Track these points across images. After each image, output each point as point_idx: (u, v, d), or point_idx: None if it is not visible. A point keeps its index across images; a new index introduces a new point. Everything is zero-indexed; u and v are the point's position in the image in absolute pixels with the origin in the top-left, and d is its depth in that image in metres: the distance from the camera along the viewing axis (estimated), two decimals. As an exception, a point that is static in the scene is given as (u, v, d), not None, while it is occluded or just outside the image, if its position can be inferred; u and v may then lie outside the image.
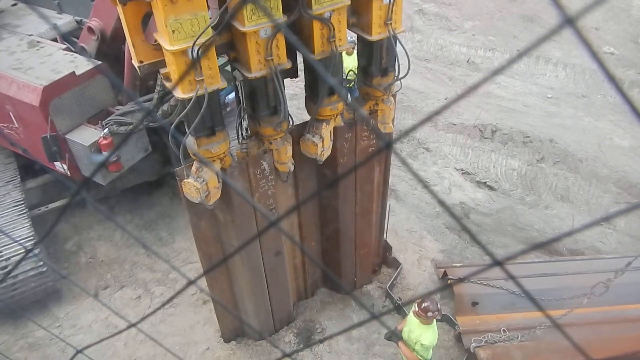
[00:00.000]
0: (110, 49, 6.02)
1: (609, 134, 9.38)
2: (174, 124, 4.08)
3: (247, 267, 5.41)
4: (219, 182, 4.50)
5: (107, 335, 6.04)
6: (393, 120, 5.43)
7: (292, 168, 4.93)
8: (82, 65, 5.92)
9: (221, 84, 3.92)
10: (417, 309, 4.82)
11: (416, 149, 9.07)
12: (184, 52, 3.58)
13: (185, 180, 4.35)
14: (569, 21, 0.62)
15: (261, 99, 4.37)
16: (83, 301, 6.80)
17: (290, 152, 4.80)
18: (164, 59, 3.87)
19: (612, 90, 10.36)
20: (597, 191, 8.28)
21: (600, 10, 12.49)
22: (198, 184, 4.27)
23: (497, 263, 0.80)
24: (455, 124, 9.50)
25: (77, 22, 6.86)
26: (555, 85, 10.64)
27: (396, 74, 4.88)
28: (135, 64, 3.95)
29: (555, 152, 8.84)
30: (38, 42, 6.39)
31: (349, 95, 8.04)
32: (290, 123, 4.80)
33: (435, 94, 10.22)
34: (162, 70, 4.01)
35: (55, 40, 6.68)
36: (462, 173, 8.64)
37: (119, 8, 3.68)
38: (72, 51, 6.29)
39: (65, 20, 6.90)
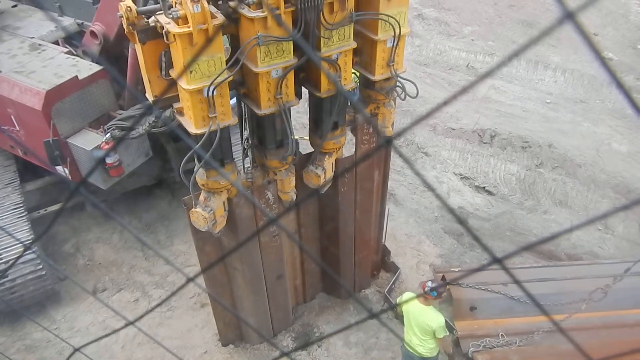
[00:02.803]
0: (112, 53, 6.03)
1: (607, 139, 9.41)
2: (184, 160, 4.22)
3: (248, 286, 5.53)
4: (225, 210, 4.66)
5: (105, 337, 6.03)
6: (392, 125, 5.49)
7: (294, 197, 5.09)
8: (84, 69, 5.93)
9: (232, 120, 4.09)
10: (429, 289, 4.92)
11: (415, 153, 9.10)
12: (199, 91, 3.74)
13: (193, 210, 4.48)
14: (569, 16, 0.63)
15: (269, 133, 4.56)
16: (81, 303, 6.79)
17: (293, 183, 4.98)
18: (178, 94, 4.03)
19: (611, 96, 10.41)
20: (596, 196, 8.30)
21: (598, 16, 12.55)
22: (206, 213, 4.42)
23: (497, 260, 0.81)
24: (454, 129, 9.52)
25: (78, 24, 6.87)
26: (554, 90, 10.68)
27: (400, 83, 5.00)
28: (150, 98, 4.09)
29: (554, 157, 8.86)
30: (40, 44, 6.39)
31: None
32: (296, 155, 4.98)
33: (434, 98, 10.24)
34: (175, 105, 4.15)
35: (56, 42, 6.69)
36: (461, 178, 8.66)
37: (138, 47, 3.79)
38: (73, 54, 6.30)
39: (66, 23, 6.91)
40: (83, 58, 6.24)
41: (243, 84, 4.36)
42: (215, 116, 3.90)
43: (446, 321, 5.36)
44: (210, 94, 3.75)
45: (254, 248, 5.22)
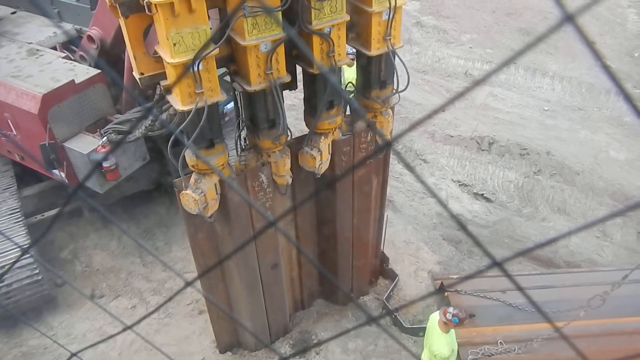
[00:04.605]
0: (109, 58, 6.04)
1: (605, 146, 9.43)
2: (172, 136, 4.11)
3: (243, 277, 5.41)
4: (217, 193, 4.51)
5: (102, 343, 6.00)
6: (391, 133, 5.46)
7: (290, 181, 4.96)
8: (81, 73, 5.94)
9: (221, 96, 3.95)
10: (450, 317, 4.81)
11: (413, 160, 9.10)
12: (185, 64, 3.63)
13: (183, 192, 4.36)
14: (569, 18, 0.63)
15: (260, 112, 4.42)
16: (78, 310, 6.76)
17: (288, 165, 4.84)
18: (165, 71, 3.92)
19: (608, 103, 10.44)
20: (594, 204, 8.30)
21: (596, 24, 12.61)
22: (196, 196, 4.29)
23: (497, 264, 0.80)
24: (452, 136, 9.54)
25: (76, 30, 6.88)
26: (552, 98, 10.71)
27: (395, 87, 4.93)
28: (136, 75, 3.98)
29: (552, 164, 8.88)
30: (37, 50, 6.40)
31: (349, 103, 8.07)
32: (289, 136, 4.84)
33: (432, 105, 10.26)
34: (163, 83, 4.05)
35: (54, 48, 6.70)
36: (459, 185, 8.66)
37: (121, 21, 3.71)
38: (71, 59, 6.30)
39: (65, 29, 6.92)
40: (80, 63, 6.25)
41: (233, 61, 4.23)
42: (202, 92, 3.78)
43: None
44: (195, 68, 3.64)
45: (247, 235, 5.05)
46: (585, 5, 0.76)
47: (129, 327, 1.20)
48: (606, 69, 0.76)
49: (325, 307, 6.73)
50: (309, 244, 6.02)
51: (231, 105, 6.58)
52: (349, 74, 6.88)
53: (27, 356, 6.29)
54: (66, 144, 5.77)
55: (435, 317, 5.07)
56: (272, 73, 4.07)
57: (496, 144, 9.29)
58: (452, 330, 4.99)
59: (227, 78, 5.23)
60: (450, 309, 4.82)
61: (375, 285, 6.96)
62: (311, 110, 4.84)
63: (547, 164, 8.88)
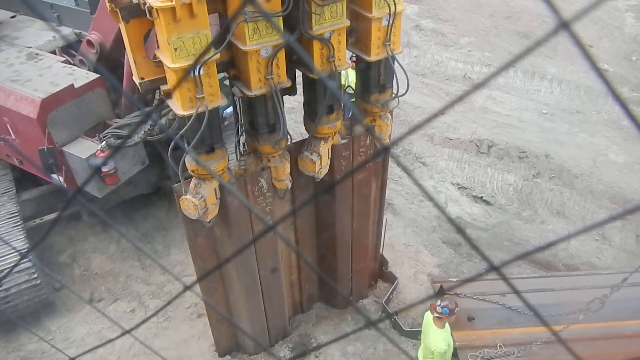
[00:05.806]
0: (109, 62, 6.05)
1: (604, 150, 9.44)
2: (173, 141, 4.11)
3: (242, 281, 5.40)
4: (216, 198, 4.52)
5: (101, 347, 5.99)
6: (390, 136, 5.46)
7: (289, 185, 4.97)
8: (80, 77, 5.94)
9: (221, 101, 3.97)
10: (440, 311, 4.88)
11: (412, 163, 9.11)
12: (185, 69, 3.63)
13: (183, 197, 4.37)
14: (564, 25, 0.63)
15: (260, 117, 4.43)
16: (76, 314, 6.74)
17: (288, 170, 4.85)
18: (165, 76, 3.93)
19: (607, 107, 10.46)
20: (593, 207, 8.31)
21: (594, 28, 12.65)
22: (196, 201, 4.31)
23: (494, 268, 0.81)
24: (451, 139, 9.55)
25: (76, 34, 6.89)
26: (551, 101, 10.73)
27: (395, 91, 4.94)
28: (137, 80, 3.99)
29: (551, 167, 8.88)
30: (37, 54, 6.40)
31: (347, 108, 8.07)
32: (289, 140, 4.85)
33: (431, 108, 10.28)
34: (163, 87, 4.05)
35: (54, 52, 6.70)
36: (459, 188, 8.66)
37: (122, 25, 3.72)
38: (70, 63, 6.31)
39: (64, 33, 6.93)
40: (80, 67, 6.25)
41: (233, 66, 4.24)
42: (203, 97, 3.78)
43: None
44: (196, 73, 3.64)
45: (246, 239, 5.03)
46: (580, 12, 0.76)
47: (128, 332, 1.20)
48: (600, 74, 0.77)
49: (325, 310, 6.72)
50: (308, 247, 6.03)
51: (230, 109, 6.59)
52: (352, 77, 6.88)
53: (25, 360, 6.28)
54: (65, 149, 5.77)
55: (429, 315, 5.14)
56: (272, 78, 4.09)
57: (495, 146, 9.30)
58: (447, 326, 5.05)
59: (227, 82, 5.24)
60: (439, 302, 4.90)
61: (375, 288, 6.96)
62: (311, 114, 4.85)
63: (546, 167, 8.89)
